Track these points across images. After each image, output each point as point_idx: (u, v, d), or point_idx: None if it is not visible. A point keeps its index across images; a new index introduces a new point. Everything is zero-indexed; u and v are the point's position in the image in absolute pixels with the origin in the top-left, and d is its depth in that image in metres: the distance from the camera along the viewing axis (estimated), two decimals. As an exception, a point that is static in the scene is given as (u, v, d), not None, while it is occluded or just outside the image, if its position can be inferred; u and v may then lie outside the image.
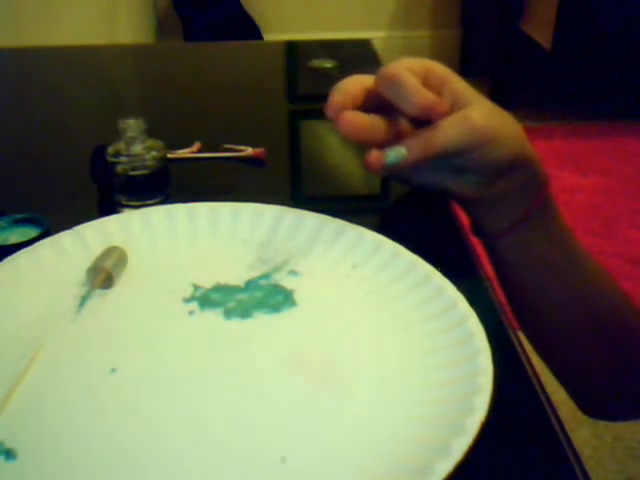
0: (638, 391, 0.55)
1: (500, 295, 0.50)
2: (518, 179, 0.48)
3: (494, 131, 0.45)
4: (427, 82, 0.46)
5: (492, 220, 0.50)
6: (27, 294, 0.44)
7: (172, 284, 0.45)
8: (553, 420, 0.38)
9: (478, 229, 0.52)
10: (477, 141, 0.45)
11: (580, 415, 0.59)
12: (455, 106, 0.46)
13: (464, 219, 0.55)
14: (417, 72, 0.45)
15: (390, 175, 0.51)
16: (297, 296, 0.44)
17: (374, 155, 0.45)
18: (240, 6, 2.80)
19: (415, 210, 0.55)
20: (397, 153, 0.45)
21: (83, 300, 0.43)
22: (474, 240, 0.54)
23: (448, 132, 0.44)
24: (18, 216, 0.52)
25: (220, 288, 0.45)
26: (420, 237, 0.49)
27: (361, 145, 0.46)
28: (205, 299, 0.44)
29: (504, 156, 0.46)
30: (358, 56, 0.99)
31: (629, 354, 0.53)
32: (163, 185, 0.57)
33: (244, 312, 0.43)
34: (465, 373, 0.37)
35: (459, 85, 0.47)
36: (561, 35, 2.34)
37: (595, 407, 0.59)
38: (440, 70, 0.47)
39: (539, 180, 0.49)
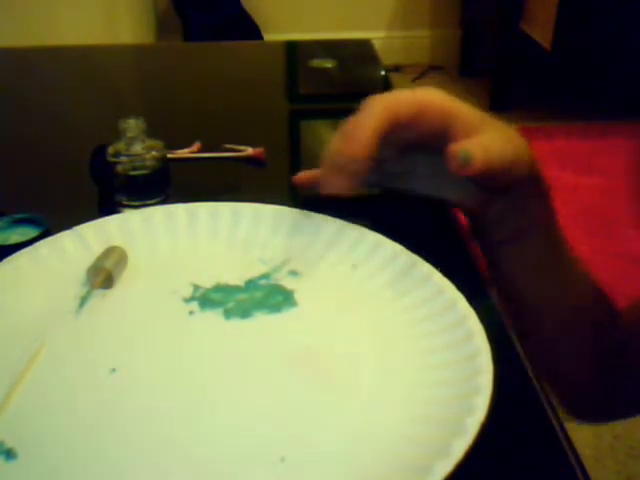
0: (623, 391, 0.55)
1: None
2: (521, 194, 0.47)
3: (510, 161, 0.44)
4: (422, 118, 0.44)
5: (492, 229, 0.49)
6: (27, 294, 0.44)
7: (172, 284, 0.45)
8: (553, 420, 0.39)
9: (477, 232, 0.52)
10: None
11: (580, 415, 0.59)
12: (466, 135, 0.44)
13: (464, 220, 0.55)
14: (403, 112, 0.43)
15: (393, 185, 0.51)
16: (297, 296, 0.44)
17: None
18: (240, 6, 2.80)
19: (415, 210, 0.55)
20: (466, 155, 0.42)
21: (83, 300, 0.43)
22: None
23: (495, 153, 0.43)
24: (18, 216, 0.52)
25: (220, 288, 0.45)
26: (420, 237, 0.49)
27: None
28: (205, 299, 0.44)
29: (516, 178, 0.45)
30: (358, 56, 0.99)
31: (611, 355, 0.54)
32: (163, 185, 0.57)
33: (244, 312, 0.43)
34: (465, 373, 0.37)
35: (464, 113, 0.45)
36: (561, 35, 2.34)
37: (582, 409, 0.59)
38: (442, 104, 0.45)
39: (542, 191, 0.48)
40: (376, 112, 0.43)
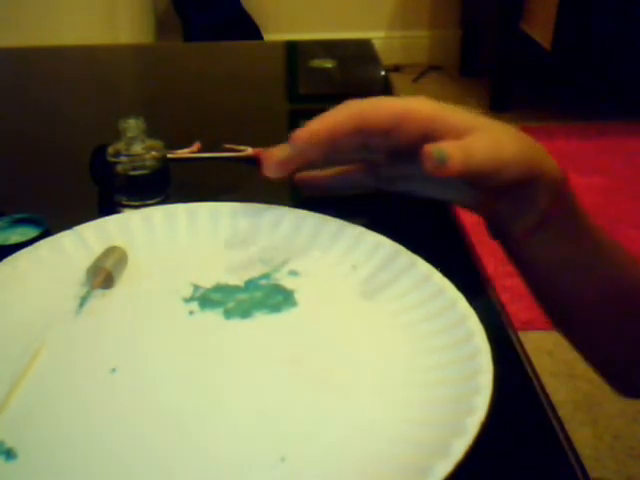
0: None
1: (500, 295, 0.50)
2: (524, 194, 0.46)
3: (498, 164, 0.43)
4: (404, 126, 0.43)
5: (504, 226, 0.48)
6: (27, 294, 0.44)
7: (172, 284, 0.45)
8: (553, 420, 0.38)
9: (492, 230, 0.51)
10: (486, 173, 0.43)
11: (580, 415, 0.58)
12: (452, 138, 0.43)
13: (468, 220, 0.55)
14: (379, 119, 0.43)
15: (392, 188, 0.51)
16: (297, 296, 0.44)
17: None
18: (240, 6, 2.81)
19: (415, 210, 0.55)
20: (441, 155, 0.41)
21: (83, 300, 0.43)
22: (474, 240, 0.54)
23: (481, 154, 0.42)
24: (18, 216, 0.52)
25: (220, 288, 0.45)
26: (420, 237, 0.49)
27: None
28: (205, 299, 0.44)
29: (507, 181, 0.44)
30: (358, 56, 0.99)
31: None
32: (163, 185, 0.57)
33: (244, 312, 0.43)
34: (465, 373, 0.37)
35: (452, 119, 0.44)
36: (561, 35, 2.34)
37: (631, 385, 0.57)
38: (425, 112, 0.44)
39: (552, 187, 0.47)
40: (342, 112, 0.44)
